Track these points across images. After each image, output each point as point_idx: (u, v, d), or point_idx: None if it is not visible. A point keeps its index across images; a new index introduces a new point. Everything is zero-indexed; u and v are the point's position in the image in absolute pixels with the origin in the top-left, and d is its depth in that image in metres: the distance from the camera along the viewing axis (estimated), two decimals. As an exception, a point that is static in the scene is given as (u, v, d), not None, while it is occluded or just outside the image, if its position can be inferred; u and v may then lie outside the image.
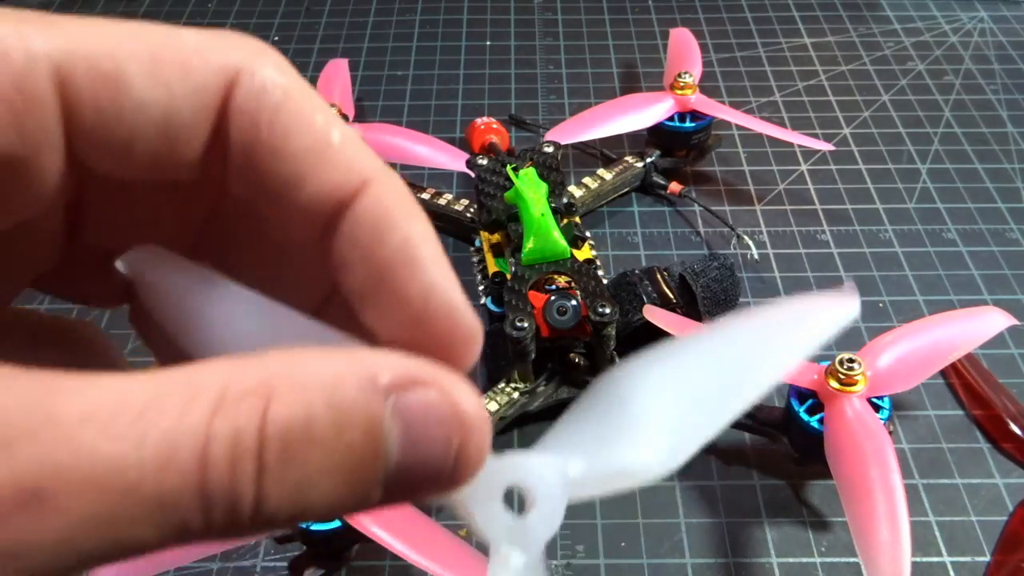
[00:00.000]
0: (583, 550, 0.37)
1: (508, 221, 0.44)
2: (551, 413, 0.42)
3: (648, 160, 0.53)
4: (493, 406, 0.40)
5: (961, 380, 0.43)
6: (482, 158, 0.48)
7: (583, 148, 0.57)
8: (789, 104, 0.61)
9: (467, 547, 0.34)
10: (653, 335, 0.40)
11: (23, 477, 0.11)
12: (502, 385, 0.41)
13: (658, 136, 0.54)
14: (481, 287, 0.47)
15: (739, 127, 0.57)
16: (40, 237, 0.16)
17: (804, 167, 0.56)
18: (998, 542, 0.37)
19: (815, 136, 0.57)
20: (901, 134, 0.59)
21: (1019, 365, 0.44)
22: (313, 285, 0.17)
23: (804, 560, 0.37)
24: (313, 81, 0.59)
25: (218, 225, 0.17)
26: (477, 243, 0.49)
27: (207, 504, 0.12)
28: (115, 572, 0.32)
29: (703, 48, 0.60)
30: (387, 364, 0.13)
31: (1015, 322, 0.40)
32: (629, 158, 0.54)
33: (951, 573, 0.36)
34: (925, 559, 0.37)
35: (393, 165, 0.55)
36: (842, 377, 0.36)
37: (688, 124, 0.53)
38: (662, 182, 0.53)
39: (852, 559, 0.37)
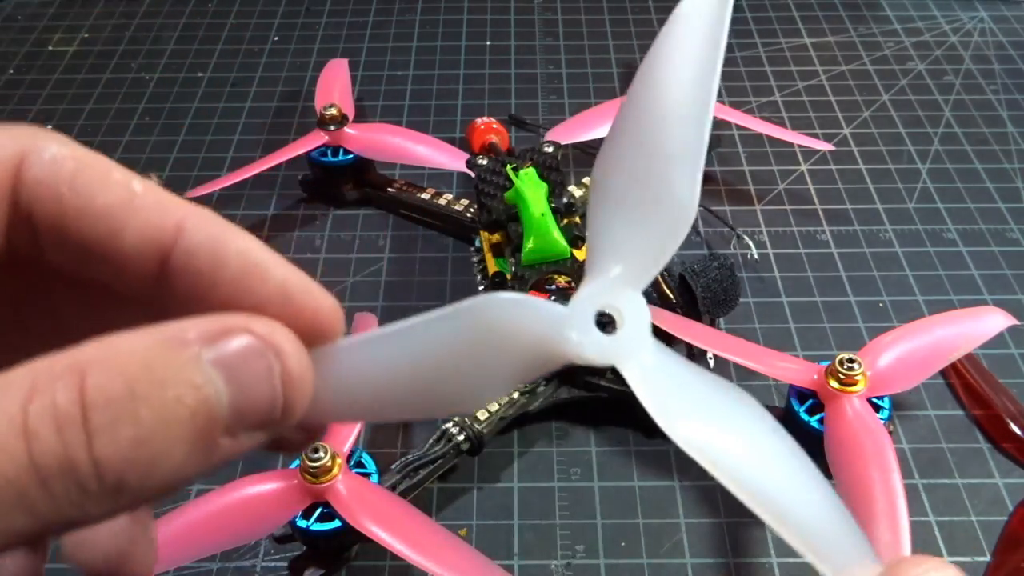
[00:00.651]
0: (583, 550, 0.37)
1: (508, 221, 0.44)
2: (551, 413, 0.42)
3: (648, 160, 0.53)
4: (493, 406, 0.40)
5: (961, 380, 0.43)
6: (482, 158, 0.48)
7: (583, 148, 0.57)
8: (789, 104, 0.61)
9: (467, 547, 0.34)
10: (652, 335, 0.40)
11: None
12: (502, 385, 0.41)
13: (658, 136, 0.54)
14: (481, 287, 0.47)
15: (739, 127, 0.57)
16: None
17: (804, 167, 0.56)
18: (998, 542, 0.37)
19: (815, 136, 0.57)
20: (901, 134, 0.58)
21: (1019, 365, 0.44)
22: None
23: (804, 560, 0.37)
24: (313, 81, 0.59)
25: (42, 294, 0.18)
26: (477, 243, 0.49)
27: (43, 476, 0.12)
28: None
29: (703, 48, 0.60)
30: (192, 324, 0.14)
31: (1015, 322, 0.40)
32: (629, 158, 0.54)
33: (951, 573, 0.36)
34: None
35: (393, 165, 0.55)
36: (842, 377, 0.36)
37: (688, 124, 0.53)
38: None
39: (852, 559, 0.37)
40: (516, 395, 0.40)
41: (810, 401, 0.37)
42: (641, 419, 0.42)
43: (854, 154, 0.57)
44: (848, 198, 0.54)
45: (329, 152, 0.52)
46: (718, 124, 0.55)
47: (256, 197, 0.55)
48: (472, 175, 0.48)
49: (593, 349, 0.16)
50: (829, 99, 0.62)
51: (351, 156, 0.52)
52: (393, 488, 0.37)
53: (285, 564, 0.37)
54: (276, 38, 0.70)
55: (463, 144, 0.54)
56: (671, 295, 0.43)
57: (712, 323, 0.43)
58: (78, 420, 0.12)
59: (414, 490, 0.38)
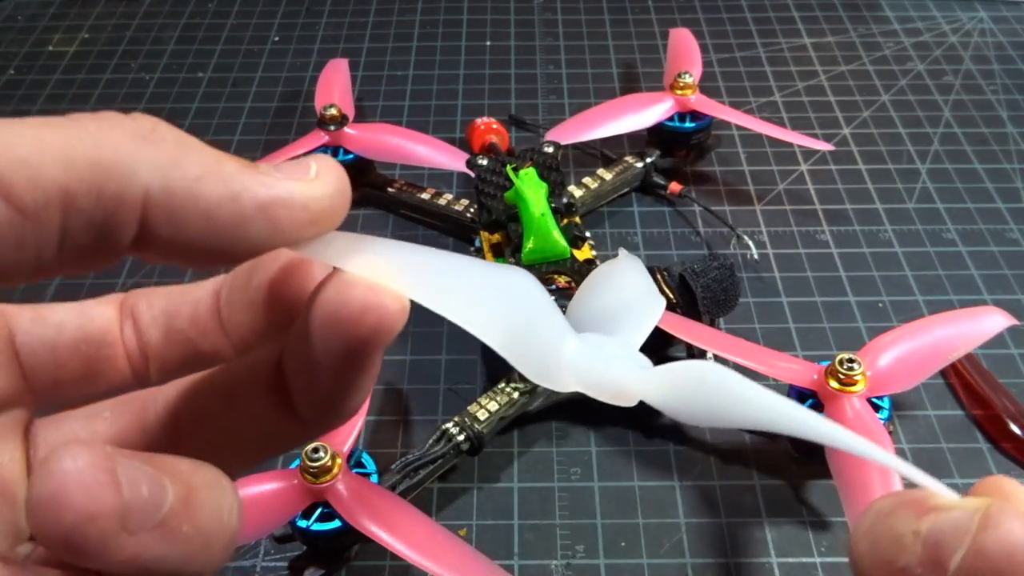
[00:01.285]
0: (583, 550, 0.37)
1: (508, 221, 0.44)
2: (551, 413, 0.42)
3: (648, 160, 0.53)
4: (493, 406, 0.40)
5: (961, 380, 0.43)
6: (482, 158, 0.48)
7: (583, 148, 0.57)
8: (789, 104, 0.61)
9: (467, 547, 0.34)
10: (653, 335, 0.40)
11: None
12: (502, 385, 0.41)
13: (658, 136, 0.54)
14: (481, 287, 0.47)
15: (739, 127, 0.57)
16: None
17: (804, 167, 0.56)
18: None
19: (815, 136, 0.57)
20: (901, 134, 0.59)
21: (1019, 365, 0.44)
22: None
23: (804, 560, 0.37)
24: (313, 81, 0.59)
25: None
26: (477, 243, 0.49)
27: None
28: None
29: (703, 48, 0.60)
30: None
31: (1015, 322, 0.40)
32: (629, 158, 0.54)
33: (951, 573, 0.36)
34: None
35: (393, 165, 0.55)
36: (842, 377, 0.36)
37: (688, 124, 0.53)
38: (662, 182, 0.53)
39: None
40: (516, 395, 0.40)
41: (810, 401, 0.37)
42: (641, 419, 0.42)
43: (854, 154, 0.57)
44: (848, 198, 0.54)
45: (329, 152, 0.52)
46: (718, 124, 0.55)
47: (256, 197, 0.55)
48: (472, 175, 0.48)
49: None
50: (829, 99, 0.62)
51: (351, 156, 0.52)
52: (393, 488, 0.37)
53: (285, 564, 0.37)
54: (276, 38, 0.70)
55: (463, 144, 0.54)
56: (671, 295, 0.43)
57: (712, 323, 0.43)
58: None
59: (414, 490, 0.38)
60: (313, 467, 0.34)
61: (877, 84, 0.63)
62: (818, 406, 0.37)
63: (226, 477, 0.16)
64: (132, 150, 0.14)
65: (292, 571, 0.37)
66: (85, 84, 0.65)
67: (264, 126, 0.61)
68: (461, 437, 0.39)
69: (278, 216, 0.15)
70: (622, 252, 0.27)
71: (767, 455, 0.40)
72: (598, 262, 0.47)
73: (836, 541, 0.37)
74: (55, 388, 0.18)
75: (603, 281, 0.25)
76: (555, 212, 0.43)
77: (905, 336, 0.38)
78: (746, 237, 0.50)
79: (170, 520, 0.14)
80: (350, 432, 0.37)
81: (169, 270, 0.50)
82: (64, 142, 0.13)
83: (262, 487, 0.34)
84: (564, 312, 0.20)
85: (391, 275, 0.16)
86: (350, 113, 0.53)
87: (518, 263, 0.42)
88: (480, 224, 0.47)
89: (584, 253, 0.45)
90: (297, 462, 0.34)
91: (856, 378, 0.36)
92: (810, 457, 0.38)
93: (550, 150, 0.47)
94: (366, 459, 0.37)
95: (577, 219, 0.47)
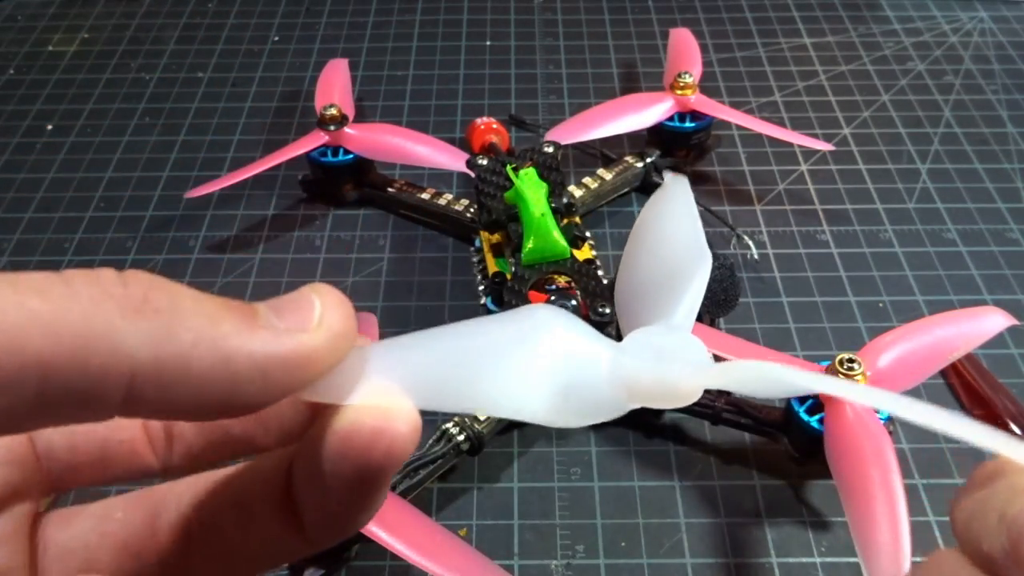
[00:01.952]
0: (583, 550, 0.37)
1: (508, 221, 0.44)
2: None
3: (648, 160, 0.53)
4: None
5: (961, 380, 0.43)
6: (482, 158, 0.48)
7: (583, 148, 0.57)
8: (789, 104, 0.61)
9: (467, 547, 0.34)
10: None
11: None
12: (502, 385, 0.41)
13: (658, 136, 0.54)
14: (481, 287, 0.47)
15: (739, 127, 0.57)
16: None
17: (804, 167, 0.56)
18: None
19: (815, 136, 0.57)
20: (901, 134, 0.59)
21: (1019, 365, 0.44)
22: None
23: (804, 560, 0.37)
24: (313, 81, 0.59)
25: None
26: (477, 243, 0.49)
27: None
28: None
29: (703, 48, 0.60)
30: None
31: (1015, 322, 0.40)
32: (629, 158, 0.54)
33: (951, 573, 0.36)
34: (925, 559, 0.37)
35: (393, 165, 0.55)
36: (842, 377, 0.36)
37: (688, 124, 0.53)
38: (662, 182, 0.53)
39: (852, 559, 0.37)
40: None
41: (810, 401, 0.37)
42: (641, 419, 0.42)
43: (854, 154, 0.57)
44: (848, 198, 0.54)
45: (329, 152, 0.52)
46: (718, 124, 0.55)
47: (256, 197, 0.55)
48: (472, 175, 0.48)
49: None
50: (829, 99, 0.62)
51: (351, 156, 0.52)
52: (393, 488, 0.37)
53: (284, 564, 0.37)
54: (276, 38, 0.70)
55: (463, 144, 0.54)
56: (671, 295, 0.43)
57: (712, 323, 0.43)
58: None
59: (414, 490, 0.38)
60: (313, 467, 0.33)
61: (877, 84, 0.63)
62: (818, 406, 0.37)
63: None
64: (122, 324, 0.13)
65: (292, 571, 0.37)
66: (85, 84, 0.65)
67: (264, 126, 0.61)
68: (461, 437, 0.39)
69: (275, 377, 0.14)
70: (667, 177, 0.27)
71: (767, 455, 0.40)
72: (598, 262, 0.47)
73: (836, 541, 0.37)
74: (71, 474, 0.17)
75: (653, 226, 0.25)
76: (555, 212, 0.43)
77: (905, 336, 0.38)
78: (746, 237, 0.50)
79: None
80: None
81: (169, 270, 0.50)
82: (51, 314, 0.13)
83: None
84: (616, 276, 0.20)
85: (402, 393, 0.15)
86: (350, 113, 0.53)
87: (518, 263, 0.42)
88: (480, 224, 0.47)
89: (584, 253, 0.45)
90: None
91: (856, 378, 0.36)
92: (810, 457, 0.38)
93: (550, 150, 0.47)
94: (366, 459, 0.37)
95: (577, 219, 0.47)
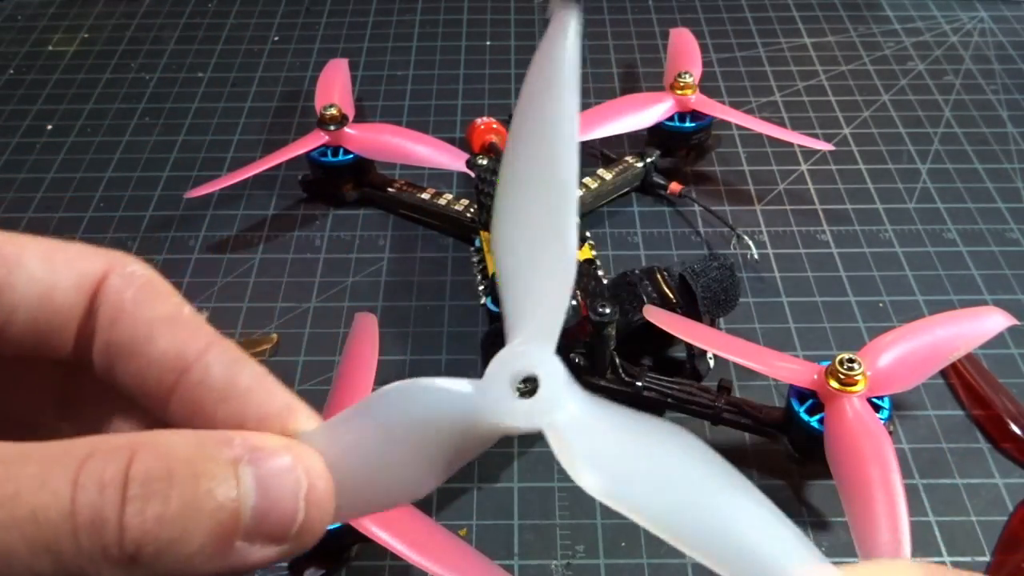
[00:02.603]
0: (583, 550, 0.37)
1: (508, 221, 0.44)
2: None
3: (648, 160, 0.53)
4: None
5: (961, 380, 0.43)
6: (482, 158, 0.48)
7: (583, 148, 0.57)
8: (789, 104, 0.61)
9: (467, 547, 0.34)
10: (653, 335, 0.40)
11: None
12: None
13: (658, 136, 0.54)
14: (481, 287, 0.47)
15: (739, 127, 0.57)
16: None
17: (804, 167, 0.56)
18: (998, 542, 0.37)
19: (815, 136, 0.57)
20: (901, 134, 0.59)
21: (1019, 365, 0.44)
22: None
23: (804, 560, 0.37)
24: (313, 81, 0.59)
25: (86, 396, 0.20)
26: (477, 243, 0.49)
27: (77, 525, 0.14)
28: None
29: (703, 48, 0.60)
30: (238, 434, 0.16)
31: (1015, 322, 0.40)
32: (629, 158, 0.54)
33: (951, 573, 0.36)
34: (925, 559, 0.37)
35: (393, 165, 0.55)
36: (842, 377, 0.36)
37: (688, 124, 0.53)
38: (662, 182, 0.53)
39: (852, 559, 0.37)
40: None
41: (810, 401, 0.37)
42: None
43: (854, 154, 0.57)
44: (848, 198, 0.54)
45: (329, 152, 0.52)
46: (718, 124, 0.55)
47: (256, 197, 0.55)
48: (472, 175, 0.48)
49: (517, 418, 0.16)
50: (829, 99, 0.62)
51: (351, 156, 0.52)
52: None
53: (285, 564, 0.37)
54: (276, 38, 0.70)
55: (463, 144, 0.54)
56: (671, 295, 0.42)
57: (712, 323, 0.43)
58: (119, 485, 0.14)
59: (414, 490, 0.38)
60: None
61: (877, 84, 0.63)
62: (818, 406, 0.37)
63: None
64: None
65: (292, 571, 0.37)
66: (85, 84, 0.65)
67: (264, 126, 0.61)
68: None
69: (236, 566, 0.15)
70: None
71: (767, 455, 0.40)
72: (598, 262, 0.47)
73: (836, 541, 0.37)
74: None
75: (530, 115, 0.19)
76: (555, 212, 0.43)
77: (905, 336, 0.38)
78: (746, 237, 0.50)
79: None
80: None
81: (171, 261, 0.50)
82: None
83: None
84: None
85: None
86: (350, 113, 0.53)
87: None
88: (480, 224, 0.47)
89: (584, 253, 0.46)
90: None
91: (856, 378, 0.36)
92: (810, 457, 0.38)
93: (550, 150, 0.47)
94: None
95: (577, 219, 0.47)
